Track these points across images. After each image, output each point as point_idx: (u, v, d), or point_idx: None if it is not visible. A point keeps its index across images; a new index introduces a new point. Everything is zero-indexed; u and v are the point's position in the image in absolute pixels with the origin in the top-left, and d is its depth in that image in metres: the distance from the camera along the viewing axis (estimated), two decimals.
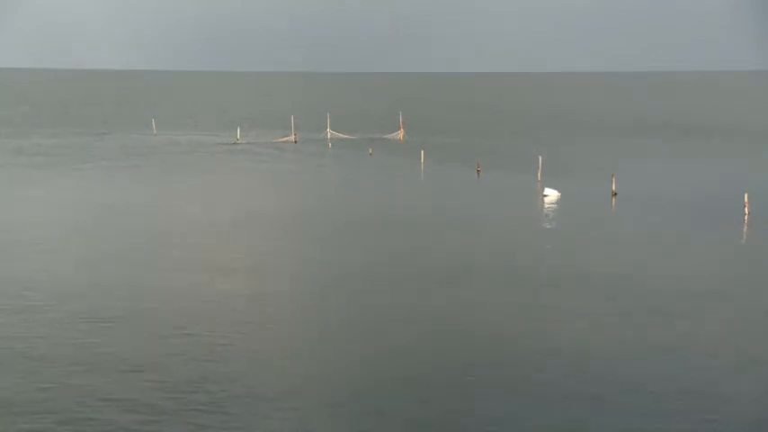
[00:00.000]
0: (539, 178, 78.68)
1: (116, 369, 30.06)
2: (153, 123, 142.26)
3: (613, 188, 71.09)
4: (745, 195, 60.81)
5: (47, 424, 25.66)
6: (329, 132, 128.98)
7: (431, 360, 31.33)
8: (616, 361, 31.28)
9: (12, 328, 34.64)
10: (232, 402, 27.27)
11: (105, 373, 29.64)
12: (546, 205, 67.87)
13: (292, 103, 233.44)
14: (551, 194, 70.89)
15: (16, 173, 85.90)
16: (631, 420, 26.17)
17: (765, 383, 30.09)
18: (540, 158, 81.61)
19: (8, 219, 60.21)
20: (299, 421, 26.08)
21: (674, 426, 25.90)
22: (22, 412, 26.35)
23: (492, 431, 25.61)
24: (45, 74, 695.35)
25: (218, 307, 37.92)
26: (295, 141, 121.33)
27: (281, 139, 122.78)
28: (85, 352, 31.86)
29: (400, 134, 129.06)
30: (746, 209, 60.51)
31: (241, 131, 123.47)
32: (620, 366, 30.72)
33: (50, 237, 53.42)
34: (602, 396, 27.95)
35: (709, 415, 26.64)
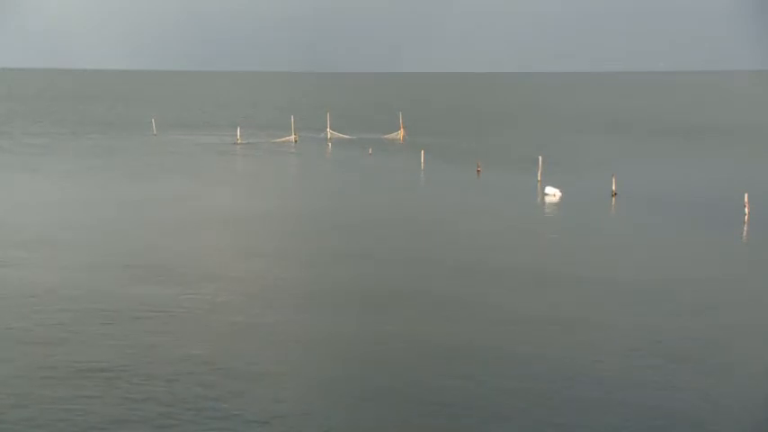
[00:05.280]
0: (539, 178, 78.70)
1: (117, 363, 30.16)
2: (153, 123, 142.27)
3: (613, 188, 71.12)
4: (746, 195, 60.82)
5: (56, 420, 25.73)
6: (329, 132, 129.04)
7: (430, 358, 31.35)
8: (616, 360, 31.31)
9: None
10: (232, 400, 27.34)
11: (108, 371, 29.73)
12: (547, 205, 67.94)
13: (292, 103, 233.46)
14: (553, 193, 70.95)
15: (9, 175, 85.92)
16: (630, 419, 26.21)
17: (765, 384, 30.14)
18: (540, 158, 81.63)
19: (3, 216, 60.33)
20: (300, 421, 26.15)
21: (674, 425, 25.94)
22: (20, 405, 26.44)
23: (492, 430, 25.68)
24: (42, 74, 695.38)
25: (215, 306, 37.97)
26: (295, 141, 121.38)
27: (281, 139, 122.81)
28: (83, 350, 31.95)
29: (400, 134, 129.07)
30: (746, 209, 60.52)
31: (241, 131, 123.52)
32: (620, 366, 30.76)
33: (48, 236, 53.46)
34: (601, 394, 28.00)
35: (708, 414, 26.67)
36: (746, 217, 59.91)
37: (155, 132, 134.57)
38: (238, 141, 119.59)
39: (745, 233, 56.95)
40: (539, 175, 79.46)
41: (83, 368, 30.08)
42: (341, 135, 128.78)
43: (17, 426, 25.57)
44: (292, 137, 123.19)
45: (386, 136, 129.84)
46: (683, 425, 25.95)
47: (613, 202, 68.66)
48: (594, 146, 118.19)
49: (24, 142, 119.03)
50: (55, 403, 27.10)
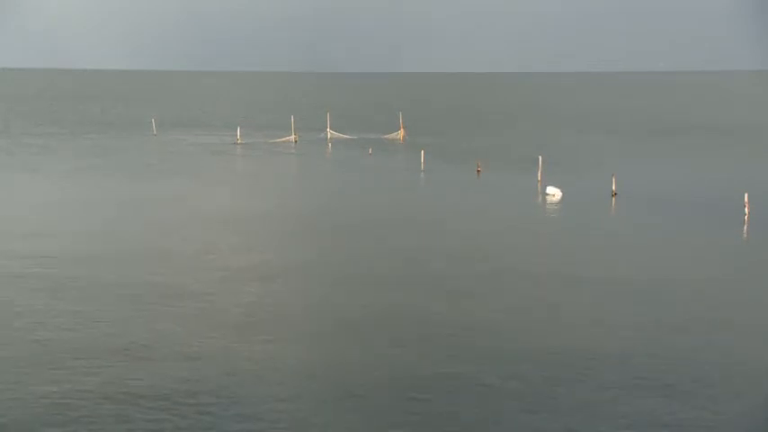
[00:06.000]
0: (539, 178, 78.68)
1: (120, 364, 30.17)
2: (153, 123, 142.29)
3: (613, 188, 71.11)
4: (746, 195, 60.82)
5: (56, 420, 25.75)
6: (329, 132, 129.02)
7: (429, 358, 31.35)
8: (615, 359, 31.31)
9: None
10: (229, 399, 27.34)
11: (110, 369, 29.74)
12: (547, 204, 67.94)
13: (292, 103, 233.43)
14: (554, 193, 70.91)
15: (9, 175, 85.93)
16: (630, 418, 26.21)
17: (765, 384, 30.15)
18: (540, 158, 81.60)
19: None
20: (300, 421, 26.16)
21: (674, 424, 25.93)
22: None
23: (491, 430, 25.69)
24: (42, 74, 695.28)
25: (214, 305, 37.98)
26: (295, 141, 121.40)
27: (281, 140, 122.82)
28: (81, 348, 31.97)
29: (400, 134, 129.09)
30: (746, 209, 60.52)
31: (241, 131, 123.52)
32: (619, 365, 30.76)
33: (47, 236, 53.45)
34: (599, 394, 28.00)
35: (708, 413, 26.67)
36: (746, 217, 59.91)
37: (155, 132, 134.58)
38: (238, 141, 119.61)
39: (745, 233, 56.94)
40: (539, 175, 79.42)
41: (80, 368, 30.12)
42: (341, 135, 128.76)
43: (22, 409, 25.64)
44: (292, 137, 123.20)
45: (386, 136, 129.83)
46: (682, 424, 25.94)
47: (613, 202, 68.66)
48: (594, 146, 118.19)
49: (24, 142, 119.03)
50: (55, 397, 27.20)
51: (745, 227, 58.12)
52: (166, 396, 27.70)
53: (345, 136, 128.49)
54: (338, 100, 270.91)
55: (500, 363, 31.02)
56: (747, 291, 41.72)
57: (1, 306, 37.99)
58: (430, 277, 43.62)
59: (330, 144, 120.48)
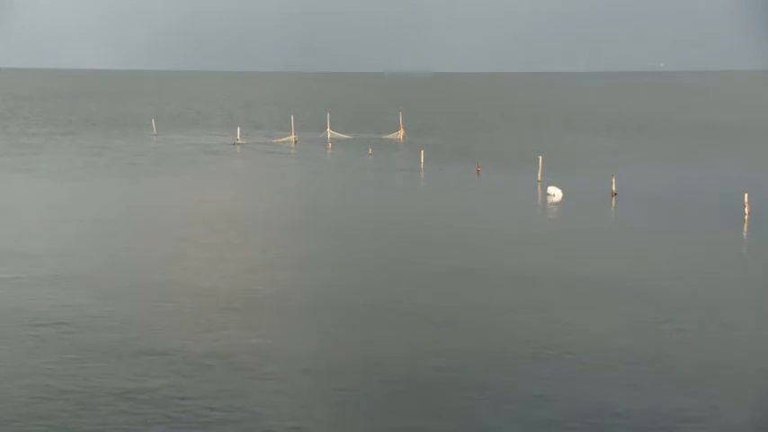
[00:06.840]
0: (539, 178, 78.65)
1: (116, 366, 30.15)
2: (153, 123, 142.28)
3: (613, 188, 71.07)
4: (746, 195, 60.80)
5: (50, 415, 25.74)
6: (329, 132, 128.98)
7: (429, 359, 31.30)
8: (615, 360, 31.28)
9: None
10: (226, 400, 27.33)
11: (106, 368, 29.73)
12: (547, 205, 67.90)
13: (292, 103, 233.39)
14: (555, 193, 70.87)
15: (8, 175, 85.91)
16: (631, 419, 26.18)
17: (765, 383, 30.13)
18: (540, 158, 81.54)
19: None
20: (298, 421, 26.15)
21: (673, 425, 25.90)
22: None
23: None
24: (40, 74, 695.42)
25: (214, 306, 37.96)
26: (295, 141, 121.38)
27: (281, 140, 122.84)
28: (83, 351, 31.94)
29: (400, 134, 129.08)
30: (746, 209, 60.50)
31: (241, 131, 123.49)
32: (619, 365, 30.73)
33: (46, 236, 53.43)
34: (599, 394, 27.98)
35: (708, 414, 26.65)
36: (746, 217, 59.89)
37: (154, 132, 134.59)
38: (238, 141, 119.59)
39: (745, 233, 56.90)
40: (539, 175, 79.38)
41: (77, 368, 30.12)
42: (341, 135, 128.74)
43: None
44: (292, 137, 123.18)
45: (386, 136, 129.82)
46: (682, 423, 25.91)
47: (613, 202, 68.62)
48: (594, 146, 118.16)
49: (22, 142, 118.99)
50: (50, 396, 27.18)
51: (745, 227, 58.09)
52: (157, 393, 27.69)
53: (345, 136, 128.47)
54: (338, 100, 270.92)
55: (499, 362, 30.98)
56: (747, 290, 41.69)
57: None
58: (429, 277, 43.56)
59: (330, 144, 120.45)
